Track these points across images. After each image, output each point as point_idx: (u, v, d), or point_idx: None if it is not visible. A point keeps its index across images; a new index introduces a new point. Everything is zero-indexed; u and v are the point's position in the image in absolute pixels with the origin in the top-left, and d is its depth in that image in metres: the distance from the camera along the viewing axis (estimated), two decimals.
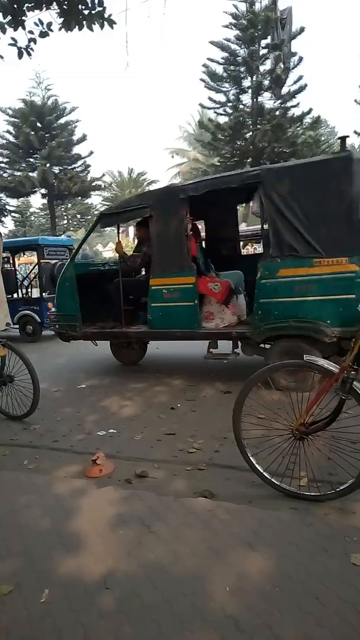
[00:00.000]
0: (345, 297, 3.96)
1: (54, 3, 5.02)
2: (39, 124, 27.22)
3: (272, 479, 2.47)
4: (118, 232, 5.88)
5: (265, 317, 4.34)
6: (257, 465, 2.51)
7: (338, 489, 2.30)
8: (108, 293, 5.50)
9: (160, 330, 5.02)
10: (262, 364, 3.53)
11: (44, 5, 5.00)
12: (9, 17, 5.05)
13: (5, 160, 27.93)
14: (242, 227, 12.70)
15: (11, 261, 10.16)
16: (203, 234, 6.31)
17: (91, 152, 29.07)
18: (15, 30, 5.16)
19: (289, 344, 4.32)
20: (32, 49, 5.44)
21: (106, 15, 5.13)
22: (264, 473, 2.49)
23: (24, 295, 9.47)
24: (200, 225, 6.35)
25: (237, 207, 6.42)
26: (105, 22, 5.15)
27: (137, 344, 5.98)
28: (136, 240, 6.33)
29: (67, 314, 5.51)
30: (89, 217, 34.33)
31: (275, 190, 4.24)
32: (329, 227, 4.01)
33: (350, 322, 3.91)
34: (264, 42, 21.09)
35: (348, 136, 4.22)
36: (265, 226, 4.40)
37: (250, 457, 2.52)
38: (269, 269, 4.30)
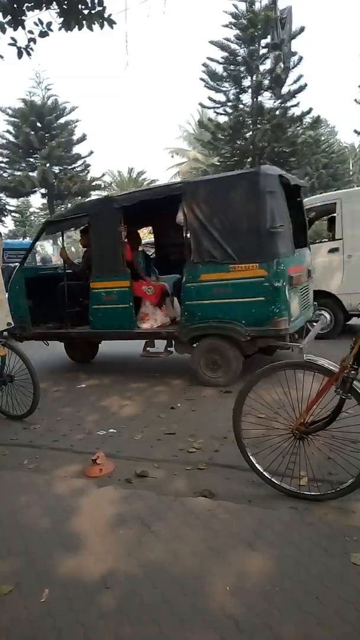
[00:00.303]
0: (256, 299, 4.34)
1: (54, 3, 5.03)
2: (39, 124, 27.24)
3: (272, 479, 2.47)
4: (62, 239, 6.54)
5: (190, 318, 4.69)
6: (257, 465, 2.51)
7: (338, 489, 2.30)
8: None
9: (100, 330, 5.36)
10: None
11: (43, 5, 5.01)
12: (9, 17, 5.05)
13: (5, 160, 27.95)
14: None
15: None
16: (148, 239, 6.74)
17: (91, 152, 29.13)
18: (15, 30, 5.17)
19: (211, 343, 4.69)
20: (31, 48, 5.45)
21: (106, 15, 5.14)
22: (264, 472, 2.49)
23: None
24: (144, 232, 6.78)
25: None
26: (105, 22, 5.16)
27: (88, 343, 6.31)
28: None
29: (18, 316, 5.61)
30: None
31: (195, 202, 4.58)
32: (242, 236, 4.38)
33: (262, 323, 4.34)
34: (263, 42, 21.09)
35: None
36: (188, 235, 4.75)
37: (250, 457, 2.52)
38: (192, 274, 4.65)
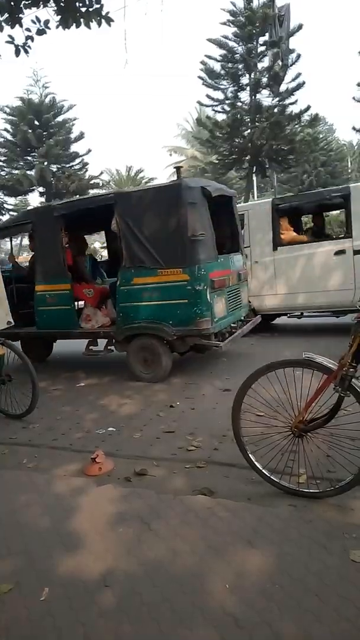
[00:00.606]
0: (181, 301, 4.69)
1: (51, 1, 5.01)
2: (36, 122, 27.17)
3: (271, 476, 2.47)
4: (11, 244, 6.95)
5: (124, 319, 5.04)
6: (256, 463, 2.52)
7: (337, 486, 2.30)
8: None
9: (46, 330, 5.78)
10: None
11: (41, 2, 5.00)
12: (6, 15, 5.04)
13: (2, 158, 27.88)
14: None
15: None
16: (96, 244, 7.25)
17: (89, 150, 29.06)
18: (12, 27, 5.16)
19: (143, 342, 5.01)
20: (29, 46, 5.44)
21: (103, 13, 5.12)
22: (263, 470, 2.49)
23: None
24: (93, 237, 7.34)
25: None
26: (103, 20, 5.14)
27: (42, 343, 6.53)
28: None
29: None
30: None
31: (125, 211, 4.95)
32: (167, 243, 4.72)
33: (186, 323, 4.67)
34: (261, 39, 21.08)
35: (182, 166, 5.20)
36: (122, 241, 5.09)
37: (250, 455, 2.53)
38: (125, 278, 4.99)
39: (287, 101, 21.60)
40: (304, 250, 6.71)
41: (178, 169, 5.21)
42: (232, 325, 5.60)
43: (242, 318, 5.88)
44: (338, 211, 7.87)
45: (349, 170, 37.83)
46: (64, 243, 5.51)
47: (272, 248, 6.86)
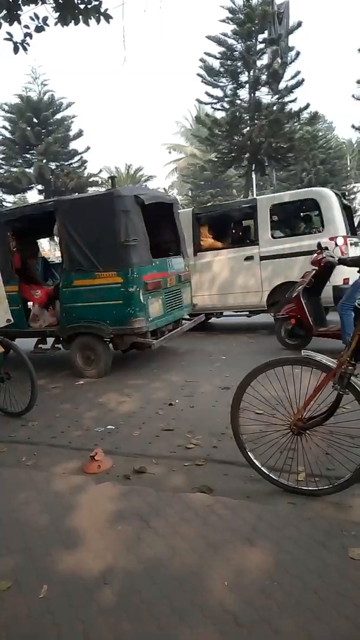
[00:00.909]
0: (116, 302, 5.04)
1: None
2: (35, 120, 27.07)
3: (270, 474, 2.47)
4: None
5: (67, 319, 5.35)
6: (255, 461, 2.52)
7: (336, 484, 2.31)
8: None
9: None
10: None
11: None
12: (5, 12, 5.02)
13: (1, 156, 27.79)
14: None
15: None
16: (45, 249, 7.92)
17: (88, 148, 28.96)
18: (10, 24, 5.13)
19: (84, 340, 5.35)
20: (27, 43, 5.42)
21: (102, 10, 5.10)
22: (262, 468, 2.50)
23: None
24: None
25: None
26: (102, 17, 5.12)
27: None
28: None
29: None
30: None
31: (65, 218, 5.29)
32: (103, 248, 5.07)
33: (122, 322, 5.04)
34: (261, 37, 20.98)
35: (115, 176, 5.69)
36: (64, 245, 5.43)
37: (248, 453, 2.53)
38: (67, 280, 5.33)
39: (286, 99, 21.53)
40: (220, 255, 7.43)
41: (112, 178, 5.71)
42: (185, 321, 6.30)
43: (187, 316, 6.45)
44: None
45: (348, 168, 37.78)
46: (11, 247, 5.88)
47: (193, 253, 7.41)
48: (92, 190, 28.55)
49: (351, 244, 6.40)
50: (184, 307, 6.21)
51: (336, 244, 6.11)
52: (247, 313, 7.68)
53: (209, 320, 8.20)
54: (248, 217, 7.59)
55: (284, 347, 5.70)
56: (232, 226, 8.27)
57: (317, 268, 5.38)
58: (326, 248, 5.68)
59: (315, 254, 5.46)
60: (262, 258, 7.00)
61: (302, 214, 7.69)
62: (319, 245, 5.60)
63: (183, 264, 6.28)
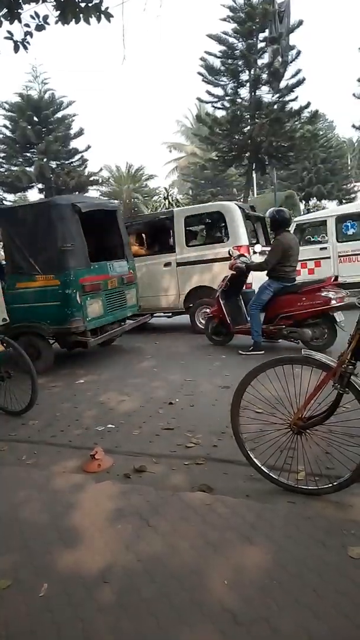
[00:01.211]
0: (55, 304, 5.43)
1: None
2: (35, 118, 27.07)
3: (270, 473, 2.47)
4: None
5: (12, 319, 5.47)
6: (255, 460, 2.52)
7: (335, 483, 2.31)
8: None
9: None
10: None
11: None
12: (5, 10, 5.01)
13: (1, 155, 27.78)
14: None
15: None
16: None
17: (88, 147, 28.94)
18: (11, 23, 5.13)
19: (28, 339, 5.64)
20: (28, 42, 5.42)
21: (102, 8, 5.09)
22: (262, 467, 2.50)
23: None
24: None
25: None
26: (102, 15, 5.11)
27: None
28: None
29: None
30: None
31: (7, 224, 5.75)
32: (42, 253, 5.48)
33: (61, 322, 5.42)
34: (261, 35, 20.96)
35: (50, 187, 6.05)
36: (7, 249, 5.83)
37: (248, 452, 2.53)
38: (11, 282, 5.70)
39: (287, 98, 21.49)
40: (145, 261, 8.04)
41: (48, 188, 6.36)
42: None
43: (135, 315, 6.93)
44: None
45: (349, 167, 37.76)
46: None
47: None
48: (92, 189, 28.58)
49: (258, 252, 6.79)
50: (128, 308, 6.61)
51: (236, 253, 6.51)
52: (169, 314, 8.32)
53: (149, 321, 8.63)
54: (167, 227, 8.17)
55: (212, 343, 6.45)
56: (153, 235, 9.00)
57: (234, 272, 6.04)
58: (243, 255, 6.33)
59: (231, 260, 6.14)
60: (179, 264, 7.72)
61: (211, 225, 8.55)
62: (229, 252, 6.38)
63: (127, 267, 6.68)
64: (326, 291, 5.33)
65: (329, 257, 9.11)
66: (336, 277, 5.81)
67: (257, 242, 7.85)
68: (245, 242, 7.09)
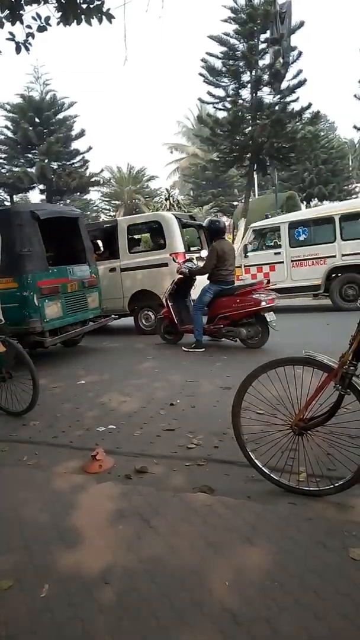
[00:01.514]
0: (14, 305, 5.55)
1: None
2: (37, 119, 27.15)
3: (271, 474, 2.47)
4: None
5: None
6: (256, 461, 2.52)
7: (337, 484, 2.30)
8: None
9: None
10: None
11: None
12: (7, 11, 5.02)
13: (3, 156, 27.84)
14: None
15: None
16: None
17: (90, 148, 29.01)
18: (13, 24, 5.14)
19: None
20: (30, 43, 5.43)
21: (104, 10, 5.10)
22: (263, 468, 2.49)
23: None
24: None
25: None
26: (104, 17, 5.12)
27: None
28: None
29: None
30: (88, 212, 34.21)
31: None
32: (3, 256, 5.40)
33: (19, 323, 5.61)
34: (263, 37, 20.93)
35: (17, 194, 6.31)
36: None
37: (250, 453, 2.53)
38: None
39: (288, 99, 21.43)
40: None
41: (11, 196, 6.64)
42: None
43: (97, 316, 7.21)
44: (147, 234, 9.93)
45: (350, 169, 37.78)
46: None
47: None
48: (93, 190, 28.61)
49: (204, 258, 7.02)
50: (90, 310, 6.89)
51: (174, 259, 7.08)
52: (117, 316, 8.54)
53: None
54: (112, 235, 8.64)
55: (164, 342, 6.93)
56: (103, 242, 9.54)
57: (181, 276, 6.52)
58: (189, 260, 6.87)
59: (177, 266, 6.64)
60: (122, 270, 8.34)
61: (151, 233, 9.08)
62: (173, 258, 7.03)
63: (88, 271, 6.96)
64: (258, 293, 5.87)
65: (282, 262, 9.52)
66: (268, 281, 6.47)
67: (202, 248, 8.50)
68: (182, 249, 7.74)
